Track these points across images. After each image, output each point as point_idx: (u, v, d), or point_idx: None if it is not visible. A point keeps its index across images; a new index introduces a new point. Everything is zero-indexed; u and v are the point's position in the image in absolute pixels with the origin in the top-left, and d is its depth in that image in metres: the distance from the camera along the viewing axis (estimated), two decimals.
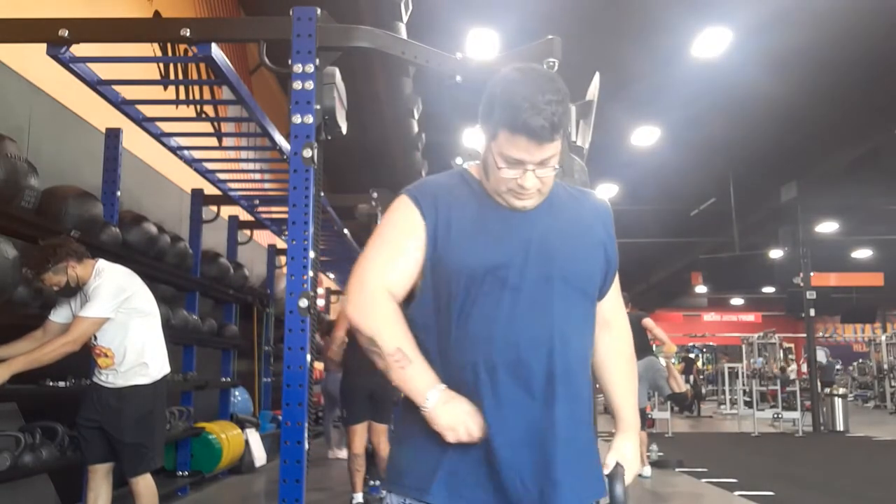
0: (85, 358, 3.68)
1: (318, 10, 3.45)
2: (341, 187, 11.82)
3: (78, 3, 5.26)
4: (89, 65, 3.93)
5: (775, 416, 13.84)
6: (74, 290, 3.56)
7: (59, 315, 3.66)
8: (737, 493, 6.61)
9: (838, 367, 25.18)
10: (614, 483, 1.51)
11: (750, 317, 32.63)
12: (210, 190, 6.71)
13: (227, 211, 7.72)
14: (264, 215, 7.77)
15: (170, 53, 6.76)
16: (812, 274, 14.75)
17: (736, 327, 29.78)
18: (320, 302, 11.70)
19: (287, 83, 3.47)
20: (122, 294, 3.58)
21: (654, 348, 8.02)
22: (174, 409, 5.86)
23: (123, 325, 3.60)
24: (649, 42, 9.33)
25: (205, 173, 5.94)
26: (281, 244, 9.22)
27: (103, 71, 4.07)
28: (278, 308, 8.83)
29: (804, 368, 19.25)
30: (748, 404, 14.51)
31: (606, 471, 1.54)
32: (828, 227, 18.19)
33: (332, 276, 13.16)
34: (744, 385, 16.39)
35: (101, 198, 4.95)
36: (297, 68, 3.37)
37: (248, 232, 9.00)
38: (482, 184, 1.55)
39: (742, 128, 11.92)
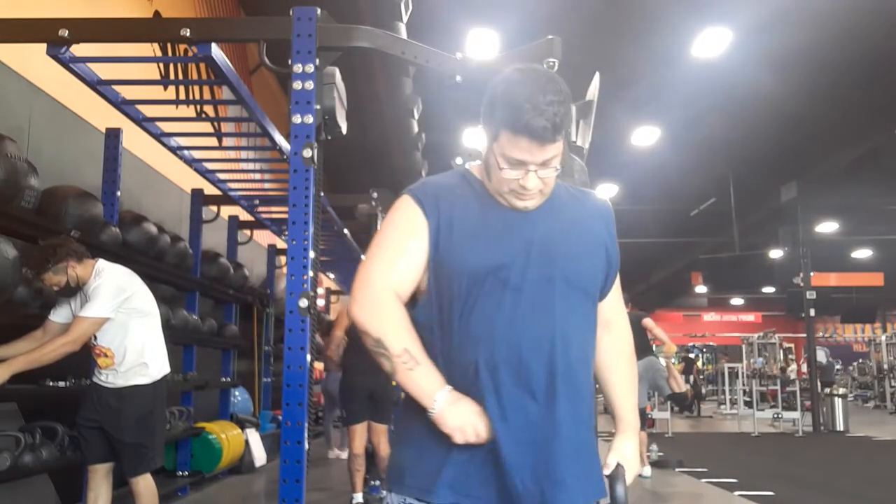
0: (85, 358, 3.68)
1: (318, 10, 3.45)
2: (341, 187, 11.82)
3: (78, 3, 5.26)
4: (89, 65, 3.93)
5: (775, 416, 13.84)
6: (74, 290, 3.56)
7: (59, 315, 3.66)
8: (737, 493, 6.61)
9: (838, 367, 25.20)
10: (615, 483, 1.51)
11: (750, 317, 32.63)
12: (210, 190, 6.71)
13: (227, 211, 7.72)
14: (264, 215, 7.77)
15: (170, 53, 6.76)
16: (812, 274, 14.75)
17: (736, 327, 29.78)
18: (320, 302, 11.70)
19: (287, 83, 3.47)
20: (122, 294, 3.58)
21: (654, 348, 8.02)
22: (174, 409, 5.86)
23: (123, 325, 3.60)
24: (649, 42, 9.33)
25: (205, 173, 5.94)
26: (281, 244, 9.22)
27: (103, 71, 4.07)
28: (278, 308, 8.83)
29: (804, 368, 19.25)
30: (748, 404, 14.51)
31: (607, 471, 1.54)
32: (828, 227, 18.19)
33: (332, 276, 13.16)
34: (744, 385, 16.39)
35: (101, 198, 4.95)
36: (297, 68, 3.37)
37: (248, 232, 9.00)
38: (484, 184, 1.55)
39: (742, 128, 11.92)
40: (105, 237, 4.79)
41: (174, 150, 5.30)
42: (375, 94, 8.82)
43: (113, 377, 3.62)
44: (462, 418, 1.40)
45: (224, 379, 7.74)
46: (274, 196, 7.26)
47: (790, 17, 8.60)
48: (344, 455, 7.53)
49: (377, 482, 5.79)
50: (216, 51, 3.63)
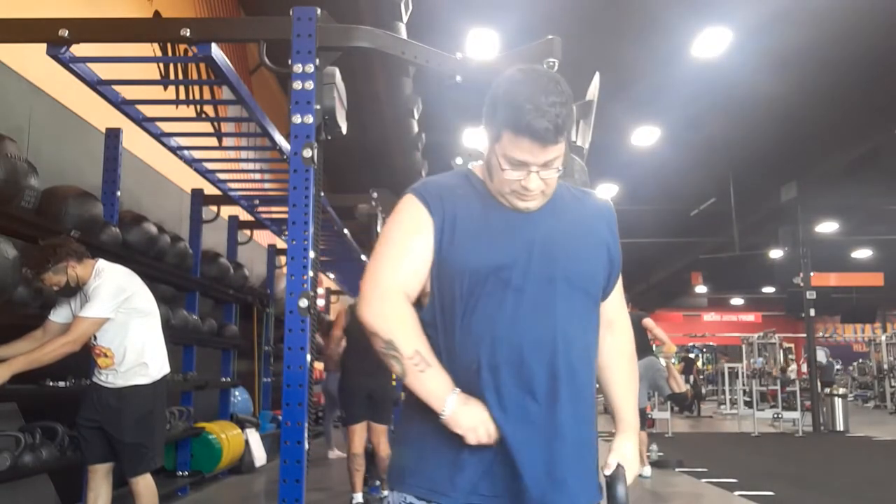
0: (85, 358, 3.68)
1: (318, 10, 3.45)
2: (341, 187, 11.82)
3: (78, 3, 5.26)
4: (89, 65, 3.93)
5: (775, 416, 13.84)
6: (74, 290, 3.56)
7: (59, 315, 3.66)
8: (737, 493, 6.61)
9: (838, 367, 25.20)
10: (616, 483, 1.51)
11: (750, 317, 32.64)
12: (210, 190, 6.70)
13: (227, 211, 7.72)
14: (264, 215, 7.77)
15: (170, 53, 6.77)
16: (812, 274, 14.75)
17: (736, 327, 29.78)
18: (320, 302, 11.70)
19: (287, 83, 3.47)
20: (121, 294, 3.58)
21: (654, 348, 8.02)
22: (174, 409, 5.86)
23: (123, 325, 3.60)
24: (649, 42, 9.33)
25: (205, 173, 5.94)
26: (281, 244, 9.21)
27: (103, 71, 4.07)
28: (278, 308, 8.83)
29: (804, 368, 19.25)
30: (748, 404, 14.51)
31: (608, 471, 1.54)
32: (828, 227, 18.19)
33: (332, 276, 13.16)
34: (744, 385, 16.38)
35: (101, 198, 4.95)
36: (297, 68, 3.37)
37: (248, 232, 9.00)
38: (486, 184, 1.55)
39: (742, 128, 11.92)
40: (105, 237, 4.79)
41: (174, 150, 5.30)
42: (375, 94, 8.82)
43: (113, 377, 3.61)
44: (474, 419, 1.41)
45: (224, 379, 7.74)
46: (274, 196, 7.25)
47: (790, 16, 8.60)
48: (344, 455, 7.53)
49: (377, 482, 5.79)
50: (216, 51, 3.63)
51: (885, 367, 19.64)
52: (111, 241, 4.88)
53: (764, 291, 28.60)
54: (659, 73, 10.01)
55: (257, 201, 7.22)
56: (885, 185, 14.14)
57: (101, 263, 3.64)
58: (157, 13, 6.78)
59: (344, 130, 3.62)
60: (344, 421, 5.78)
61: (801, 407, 13.59)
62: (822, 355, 21.14)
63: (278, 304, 8.80)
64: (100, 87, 4.10)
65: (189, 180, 6.67)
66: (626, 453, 1.57)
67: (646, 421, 8.43)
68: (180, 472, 6.32)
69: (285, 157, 4.14)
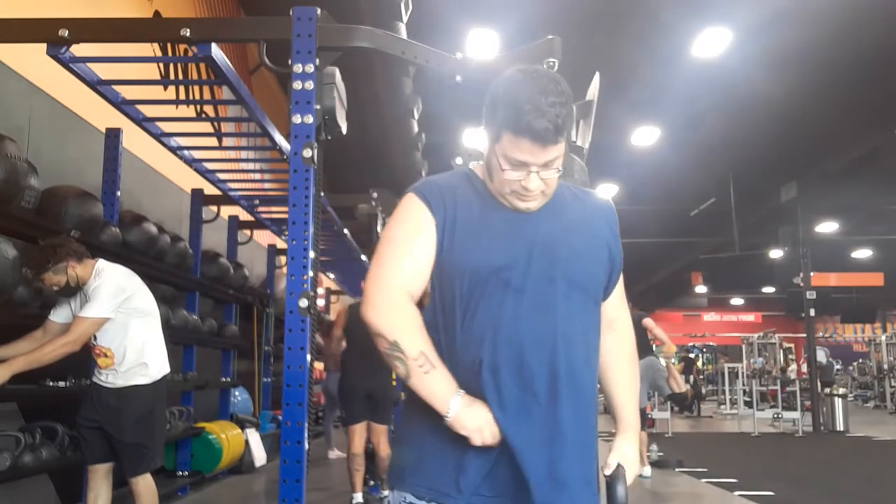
0: (85, 358, 3.68)
1: (318, 10, 3.45)
2: (341, 187, 11.82)
3: (78, 3, 5.26)
4: (89, 65, 3.93)
5: (775, 416, 13.84)
6: (74, 290, 3.56)
7: (59, 315, 3.66)
8: (737, 493, 6.61)
9: (838, 367, 25.19)
10: (616, 483, 1.50)
11: (750, 317, 32.63)
12: (210, 190, 6.71)
13: (227, 211, 7.72)
14: (264, 215, 7.77)
15: (170, 53, 6.77)
16: (812, 274, 14.75)
17: (736, 327, 29.78)
18: (320, 302, 11.70)
19: (287, 83, 3.47)
20: (121, 294, 3.58)
21: (654, 348, 8.02)
22: (174, 409, 5.86)
23: (123, 325, 3.60)
24: (649, 42, 9.33)
25: (205, 173, 5.94)
26: (281, 244, 9.22)
27: (103, 71, 4.07)
28: (278, 308, 8.83)
29: (804, 368, 19.25)
30: (748, 404, 14.51)
31: (608, 471, 1.54)
32: (828, 227, 18.19)
33: (332, 276, 13.16)
34: (744, 385, 16.38)
35: (101, 198, 4.95)
36: (297, 68, 3.37)
37: (248, 232, 9.00)
38: (486, 184, 1.55)
39: (742, 128, 11.92)
40: (105, 237, 4.79)
41: (174, 150, 5.30)
42: (375, 94, 8.82)
43: (113, 377, 3.61)
44: (479, 420, 1.40)
45: (224, 379, 7.74)
46: (274, 196, 7.26)
47: (790, 16, 8.60)
48: (344, 455, 7.53)
49: (377, 482, 5.79)
50: (216, 51, 3.63)
51: (885, 367, 19.64)
52: (111, 241, 4.88)
53: (764, 291, 28.60)
54: (659, 73, 10.01)
55: (257, 201, 7.22)
56: (885, 185, 14.14)
57: (101, 263, 3.64)
58: (157, 13, 6.78)
59: (344, 130, 3.62)
60: (344, 421, 5.79)
61: (801, 407, 13.59)
62: (822, 355, 21.14)
63: (278, 304, 8.80)
64: (100, 87, 4.10)
65: (189, 180, 6.67)
66: (626, 453, 1.57)
67: (646, 421, 8.43)
68: (180, 472, 6.32)
69: (285, 157, 4.13)
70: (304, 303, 3.23)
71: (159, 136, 4.97)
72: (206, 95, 6.60)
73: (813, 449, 11.31)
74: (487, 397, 1.43)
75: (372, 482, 5.80)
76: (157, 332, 3.79)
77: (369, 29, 3.63)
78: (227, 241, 8.27)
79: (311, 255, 3.31)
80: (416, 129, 9.95)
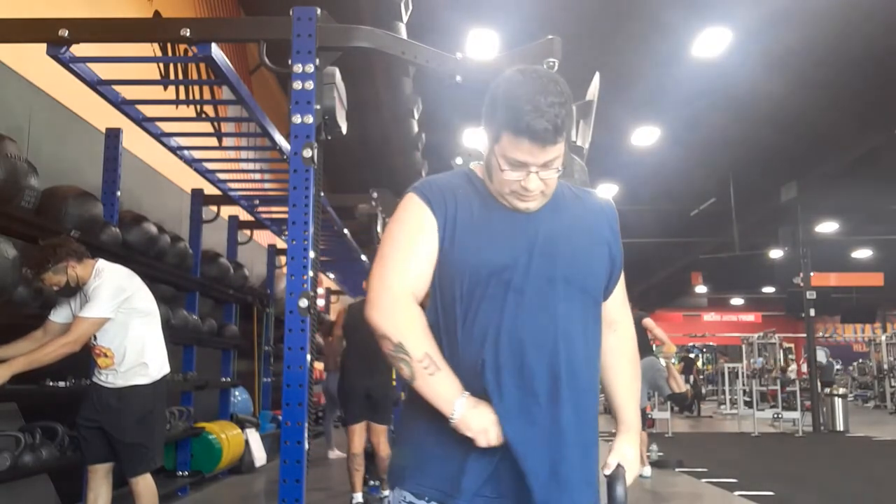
0: (85, 358, 3.68)
1: (318, 10, 3.45)
2: (341, 187, 11.82)
3: (78, 3, 5.26)
4: (89, 65, 3.93)
5: (775, 416, 13.84)
6: (74, 290, 3.56)
7: (59, 315, 3.66)
8: (737, 493, 6.61)
9: (838, 367, 25.20)
10: (615, 484, 1.50)
11: (750, 317, 32.63)
12: (210, 190, 6.70)
13: (227, 211, 7.72)
14: (264, 215, 7.77)
15: (170, 53, 6.76)
16: (812, 274, 14.74)
17: (736, 327, 29.78)
18: (320, 302, 11.70)
19: (287, 83, 3.47)
20: (121, 294, 3.58)
21: (654, 348, 8.02)
22: (174, 409, 5.86)
23: (123, 325, 3.60)
24: (649, 42, 9.33)
25: (205, 173, 5.94)
26: (281, 244, 9.22)
27: (103, 71, 4.07)
28: (278, 308, 8.83)
29: (804, 368, 19.25)
30: (748, 404, 14.51)
31: (607, 471, 1.54)
32: (828, 227, 18.20)
33: (332, 276, 13.16)
34: (744, 385, 16.38)
35: (101, 198, 4.95)
36: (297, 68, 3.37)
37: (248, 232, 9.00)
38: (486, 184, 1.55)
39: (742, 128, 11.92)
40: (105, 237, 4.79)
41: (174, 150, 5.30)
42: (375, 94, 8.83)
43: (113, 377, 3.61)
44: (484, 422, 1.40)
45: (224, 379, 7.74)
46: (274, 196, 7.25)
47: (790, 17, 8.61)
48: (344, 455, 7.54)
49: (377, 482, 5.79)
50: (216, 51, 3.63)
51: (885, 367, 19.64)
52: (111, 241, 4.88)
53: (764, 291, 28.60)
54: (659, 73, 10.01)
55: (257, 201, 7.22)
56: (885, 185, 14.14)
57: (101, 263, 3.64)
58: (157, 13, 6.78)
59: (344, 130, 3.62)
60: (344, 421, 5.79)
61: (801, 407, 13.59)
62: (822, 355, 21.14)
63: (278, 304, 8.80)
64: (100, 87, 4.10)
65: (189, 180, 6.67)
66: (626, 453, 1.57)
67: (646, 421, 8.43)
68: (180, 472, 6.32)
69: (285, 157, 4.13)
70: (304, 303, 3.24)
71: (159, 136, 4.97)
72: (206, 95, 6.59)
73: (813, 449, 11.31)
74: (492, 398, 1.42)
75: (372, 482, 5.80)
76: (157, 332, 3.79)
77: (369, 29, 3.63)
78: (227, 241, 8.27)
79: (311, 255, 3.31)
80: (416, 129, 9.95)
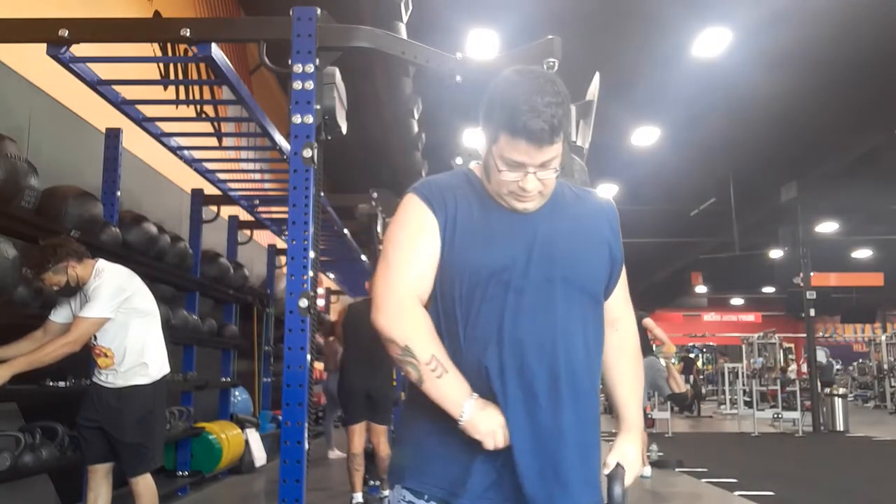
0: (85, 358, 3.68)
1: (318, 10, 3.45)
2: (341, 187, 11.82)
3: (78, 3, 5.26)
4: (89, 65, 3.93)
5: (775, 416, 13.84)
6: (74, 290, 3.56)
7: (59, 315, 3.66)
8: (737, 493, 6.61)
9: (838, 367, 25.20)
10: (613, 483, 1.50)
11: (750, 317, 32.63)
12: (210, 190, 6.71)
13: (227, 211, 7.72)
14: (264, 215, 7.77)
15: (170, 53, 6.76)
16: (812, 274, 14.75)
17: (736, 327, 29.78)
18: (320, 302, 11.70)
19: (287, 83, 3.47)
20: (121, 294, 3.58)
21: (654, 348, 8.02)
22: (174, 409, 5.86)
23: (123, 326, 3.60)
24: (649, 42, 9.33)
25: (205, 173, 5.94)
26: (281, 244, 9.22)
27: (103, 71, 4.07)
28: (278, 308, 8.83)
29: (804, 368, 19.25)
30: (748, 404, 14.51)
31: (606, 471, 1.54)
32: (828, 227, 18.19)
33: (332, 276, 13.16)
34: (744, 385, 16.38)
35: (101, 198, 4.95)
36: (297, 68, 3.37)
37: (248, 232, 9.00)
38: (484, 185, 1.55)
39: (742, 128, 11.92)
40: (105, 237, 4.79)
41: (174, 150, 5.30)
42: (375, 94, 8.82)
43: (113, 377, 3.61)
44: (492, 423, 1.40)
45: (224, 379, 7.74)
46: (274, 196, 7.26)
47: (790, 16, 8.60)
48: (344, 455, 7.54)
49: (377, 482, 5.79)
50: (216, 51, 3.63)
51: (885, 367, 19.64)
52: (111, 241, 4.88)
53: (764, 291, 28.60)
54: (659, 73, 10.01)
55: (257, 201, 7.22)
56: (885, 185, 14.14)
57: (101, 263, 3.64)
58: (157, 13, 6.78)
59: (344, 130, 3.62)
60: (344, 421, 5.79)
61: (801, 407, 13.58)
62: (822, 355, 21.15)
63: (278, 304, 8.80)
64: (100, 87, 4.11)
65: (189, 180, 6.67)
66: (626, 453, 1.57)
67: (646, 421, 8.44)
68: (180, 472, 6.32)
69: (285, 157, 4.13)
70: (304, 303, 3.23)
71: (159, 136, 4.97)
72: (206, 95, 6.60)
73: (813, 449, 11.31)
74: (498, 399, 1.42)
75: (372, 482, 5.80)
76: (157, 332, 3.79)
77: (369, 29, 3.63)
78: (227, 241, 8.27)
79: (311, 255, 3.31)
80: (416, 129, 9.95)
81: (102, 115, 4.96)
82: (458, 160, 3.74)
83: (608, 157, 12.12)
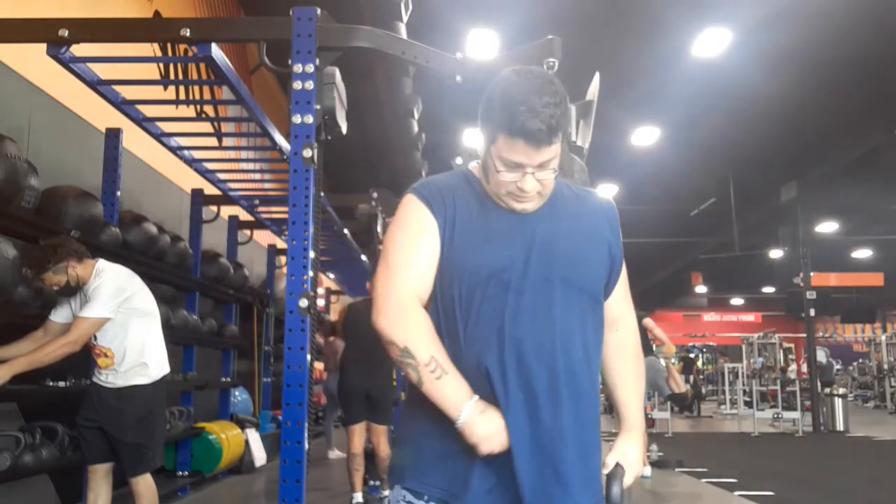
0: (85, 358, 3.68)
1: (318, 10, 3.45)
2: (341, 187, 11.82)
3: (78, 3, 5.26)
4: (89, 65, 3.93)
5: (775, 416, 13.84)
6: (74, 290, 3.56)
7: (59, 315, 3.66)
8: (737, 493, 6.61)
9: (838, 367, 25.21)
10: (612, 483, 1.49)
11: (750, 317, 32.63)
12: (210, 190, 6.71)
13: (227, 211, 7.72)
14: (264, 215, 7.77)
15: (170, 53, 6.76)
16: (812, 274, 14.75)
17: (736, 327, 29.78)
18: (320, 302, 11.70)
19: (287, 83, 3.47)
20: (121, 294, 3.58)
21: (654, 348, 8.02)
22: (174, 409, 5.86)
23: (123, 326, 3.60)
24: (649, 42, 9.33)
25: (205, 173, 5.94)
26: (281, 244, 9.22)
27: (103, 71, 4.07)
28: (278, 308, 8.83)
29: (804, 368, 19.25)
30: (748, 404, 14.51)
31: (605, 470, 1.53)
32: (828, 227, 18.19)
33: (332, 276, 13.16)
34: (744, 385, 16.38)
35: (101, 198, 4.95)
36: (297, 68, 3.37)
37: (248, 232, 9.00)
38: (483, 185, 1.55)
39: (742, 128, 11.92)
40: (105, 237, 4.79)
41: (174, 150, 5.30)
42: (375, 94, 8.83)
43: (113, 377, 3.61)
44: (489, 428, 1.40)
45: (224, 379, 7.74)
46: (274, 196, 7.26)
47: (790, 16, 8.60)
48: (344, 455, 7.54)
49: (377, 482, 5.79)
50: (216, 51, 3.63)
51: (885, 367, 19.64)
52: (111, 241, 4.88)
53: (764, 291, 28.60)
54: (659, 73, 10.00)
55: (257, 201, 7.22)
56: (885, 185, 14.14)
57: (102, 263, 3.64)
58: (157, 13, 6.77)
59: (344, 130, 3.62)
60: (344, 421, 5.79)
61: (801, 407, 13.59)
62: (822, 355, 21.15)
63: (278, 304, 8.80)
64: (100, 87, 4.10)
65: (189, 180, 6.67)
66: (626, 453, 1.56)
67: (646, 421, 8.43)
68: (180, 472, 6.32)
69: (285, 157, 4.13)
70: (304, 303, 3.23)
71: (159, 136, 4.97)
72: (206, 95, 6.60)
73: (813, 449, 11.31)
74: (499, 400, 1.42)
75: (372, 482, 5.80)
76: (157, 332, 3.79)
77: (369, 29, 3.63)
78: (227, 241, 8.27)
79: (311, 255, 3.31)
80: (416, 129, 9.95)
81: (102, 115, 4.96)
82: (458, 160, 3.74)
83: (608, 157, 12.12)
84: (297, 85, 3.36)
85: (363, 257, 9.32)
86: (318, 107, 3.39)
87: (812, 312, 14.35)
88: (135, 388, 3.63)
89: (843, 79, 10.14)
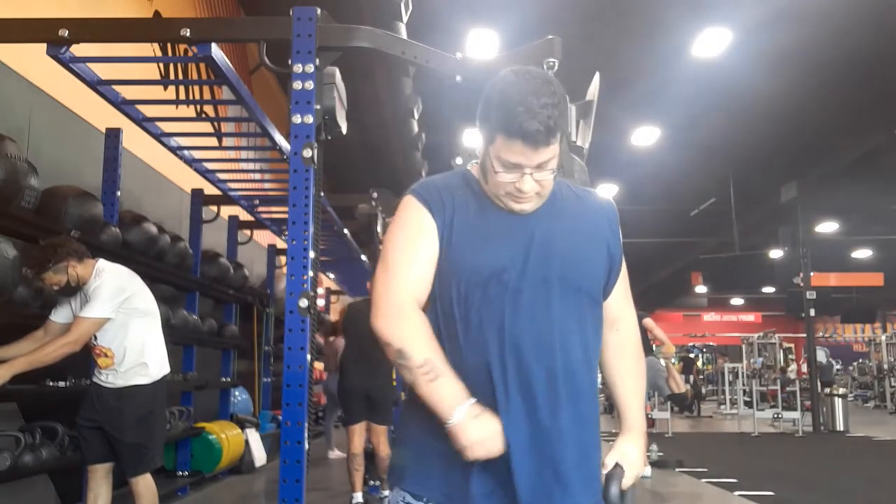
0: (85, 358, 3.68)
1: (318, 10, 3.45)
2: (341, 187, 11.82)
3: (78, 3, 5.26)
4: (89, 65, 3.93)
5: (775, 416, 13.83)
6: (75, 290, 3.56)
7: (59, 315, 3.66)
8: (737, 493, 6.61)
9: (838, 367, 25.21)
10: (611, 483, 1.49)
11: (750, 317, 32.63)
12: (210, 190, 6.71)
13: (227, 211, 7.72)
14: (264, 215, 7.77)
15: (170, 53, 6.77)
16: (812, 274, 14.74)
17: (736, 327, 29.77)
18: (320, 302, 11.70)
19: (287, 83, 3.47)
20: (122, 294, 3.58)
21: (654, 348, 8.02)
22: (174, 409, 5.86)
23: (123, 325, 3.60)
24: (649, 42, 9.33)
25: (205, 173, 5.94)
26: (281, 244, 9.22)
27: (103, 71, 4.07)
28: (278, 308, 8.83)
29: (804, 368, 19.25)
30: (748, 404, 14.51)
31: (605, 470, 1.53)
32: (828, 227, 18.19)
33: (332, 276, 13.16)
34: (744, 385, 16.39)
35: (101, 198, 4.95)
36: (297, 68, 3.37)
37: (248, 232, 9.00)
38: (482, 185, 1.54)
39: (742, 128, 11.92)
40: (105, 237, 4.80)
41: (174, 150, 5.30)
42: (375, 94, 8.83)
43: (113, 377, 3.61)
44: (481, 433, 1.38)
45: (224, 379, 7.74)
46: (274, 196, 7.26)
47: (790, 16, 8.60)
48: (344, 455, 7.54)
49: (377, 482, 5.79)
50: (216, 51, 3.63)
51: (885, 367, 19.64)
52: (111, 241, 4.88)
53: (764, 291, 28.60)
54: (659, 73, 10.01)
55: (257, 201, 7.22)
56: (885, 185, 14.14)
57: (102, 263, 3.64)
58: (157, 13, 6.78)
59: (344, 130, 3.62)
60: (344, 421, 5.79)
61: (801, 407, 13.58)
62: (821, 355, 21.16)
63: (278, 304, 8.80)
64: (100, 87, 4.11)
65: (189, 180, 6.67)
66: (626, 453, 1.56)
67: (646, 421, 8.43)
68: (180, 472, 6.32)
69: (285, 157, 4.14)
70: (304, 303, 3.24)
71: (159, 136, 4.97)
72: (206, 95, 6.60)
73: (813, 449, 11.31)
74: (499, 400, 1.42)
75: (372, 482, 5.80)
76: (157, 332, 3.79)
77: (369, 29, 3.63)
78: (227, 241, 8.27)
79: (311, 255, 3.31)
80: (416, 129, 9.95)
81: (102, 115, 4.96)
82: (458, 160, 3.75)
83: (608, 157, 12.13)
84: (297, 85, 3.36)
85: (363, 257, 9.32)
86: (318, 107, 3.39)
87: (812, 312, 14.35)
88: (135, 388, 3.63)
89: (843, 79, 10.14)
